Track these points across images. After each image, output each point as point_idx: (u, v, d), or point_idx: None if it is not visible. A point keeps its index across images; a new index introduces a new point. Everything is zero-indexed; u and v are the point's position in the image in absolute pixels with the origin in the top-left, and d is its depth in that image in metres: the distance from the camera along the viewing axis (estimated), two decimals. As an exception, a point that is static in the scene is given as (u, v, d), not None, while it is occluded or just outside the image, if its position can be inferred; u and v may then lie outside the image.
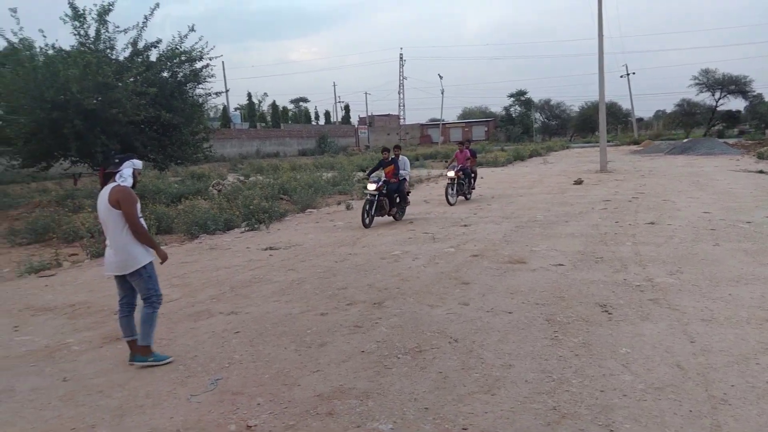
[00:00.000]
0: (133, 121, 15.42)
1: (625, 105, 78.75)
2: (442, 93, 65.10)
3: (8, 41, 15.73)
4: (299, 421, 3.59)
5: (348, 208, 14.61)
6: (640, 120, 77.22)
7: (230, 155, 39.67)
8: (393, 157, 12.13)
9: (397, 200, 12.08)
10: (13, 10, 15.38)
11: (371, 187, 11.54)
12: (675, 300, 5.79)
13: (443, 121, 70.01)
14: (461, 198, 15.40)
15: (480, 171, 26.65)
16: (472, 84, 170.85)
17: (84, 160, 16.48)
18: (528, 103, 75.65)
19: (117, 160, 4.76)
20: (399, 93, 69.55)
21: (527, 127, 71.93)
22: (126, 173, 4.70)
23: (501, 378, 4.11)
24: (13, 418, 3.81)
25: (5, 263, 9.45)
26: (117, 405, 3.94)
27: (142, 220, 4.69)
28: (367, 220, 11.47)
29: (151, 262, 4.76)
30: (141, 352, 4.71)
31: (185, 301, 6.65)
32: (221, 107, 52.39)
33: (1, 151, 16.38)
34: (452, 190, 14.63)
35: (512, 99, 76.24)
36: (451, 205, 14.24)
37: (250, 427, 3.54)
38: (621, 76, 63.41)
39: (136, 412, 3.83)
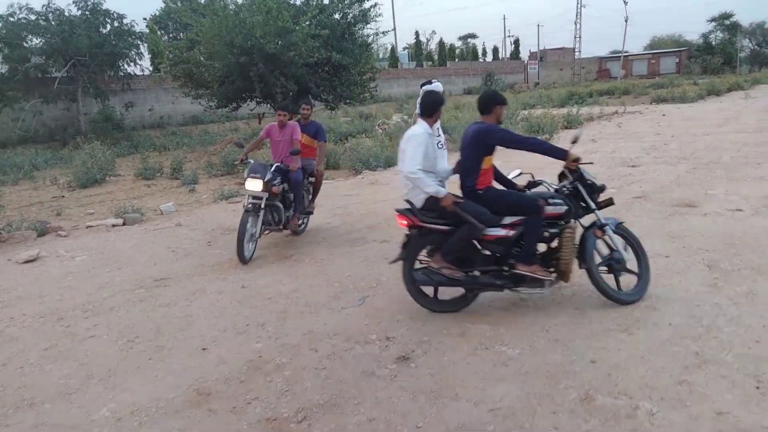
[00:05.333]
0: (307, 63, 16.52)
1: None
2: (626, 21, 58.85)
3: (208, -8, 17.63)
4: (432, 337, 3.89)
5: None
6: None
7: (397, 95, 40.55)
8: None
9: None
10: None
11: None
12: None
13: (626, 52, 63.47)
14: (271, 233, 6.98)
15: (663, 108, 23.87)
16: (664, 9, 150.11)
17: (266, 100, 18.18)
18: (734, 28, 64.94)
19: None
20: (575, 23, 64.13)
21: (730, 57, 62.18)
22: None
23: (642, 319, 3.97)
24: (204, 312, 4.67)
25: (204, 191, 11.05)
26: (282, 310, 4.61)
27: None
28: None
29: None
30: None
31: (344, 228, 7.28)
32: (389, 48, 53.41)
33: (202, 94, 18.70)
34: (252, 222, 6.14)
35: (713, 24, 66.07)
36: (245, 262, 5.95)
37: (389, 338, 3.93)
38: None
39: (297, 316, 4.45)
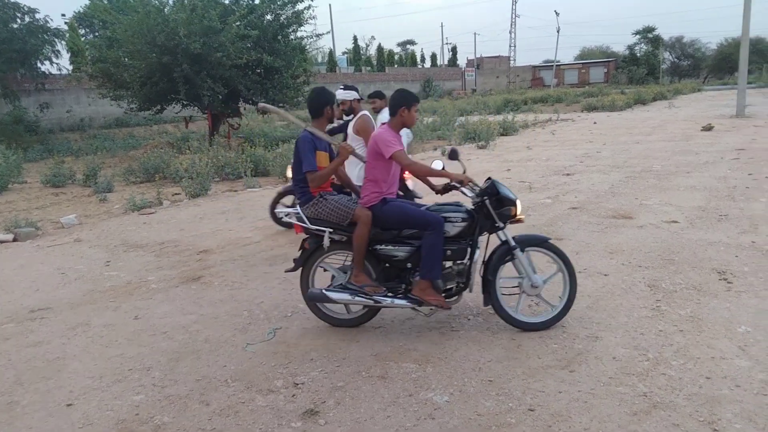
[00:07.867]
0: (236, 64, 15.66)
1: (775, 41, 68.37)
2: (558, 31, 60.62)
3: (128, -12, 16.46)
4: (348, 382, 3.32)
5: (444, 153, 14.03)
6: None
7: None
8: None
9: None
10: None
11: None
12: (818, 270, 4.79)
13: (558, 62, 65.47)
14: None
15: (594, 116, 24.42)
16: (593, 21, 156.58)
17: (192, 103, 17.15)
18: (656, 41, 68.31)
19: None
20: (510, 33, 65.73)
21: (653, 68, 65.28)
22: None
23: (584, 352, 3.56)
24: (81, 353, 3.91)
25: (118, 200, 10.06)
26: (176, 348, 3.91)
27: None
28: None
29: None
30: None
31: (265, 244, 6.62)
32: (328, 52, 52.63)
33: (122, 95, 17.43)
34: None
35: (638, 36, 69.24)
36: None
37: (297, 384, 3.33)
38: (772, 7, 54.95)
39: (192, 357, 3.77)
